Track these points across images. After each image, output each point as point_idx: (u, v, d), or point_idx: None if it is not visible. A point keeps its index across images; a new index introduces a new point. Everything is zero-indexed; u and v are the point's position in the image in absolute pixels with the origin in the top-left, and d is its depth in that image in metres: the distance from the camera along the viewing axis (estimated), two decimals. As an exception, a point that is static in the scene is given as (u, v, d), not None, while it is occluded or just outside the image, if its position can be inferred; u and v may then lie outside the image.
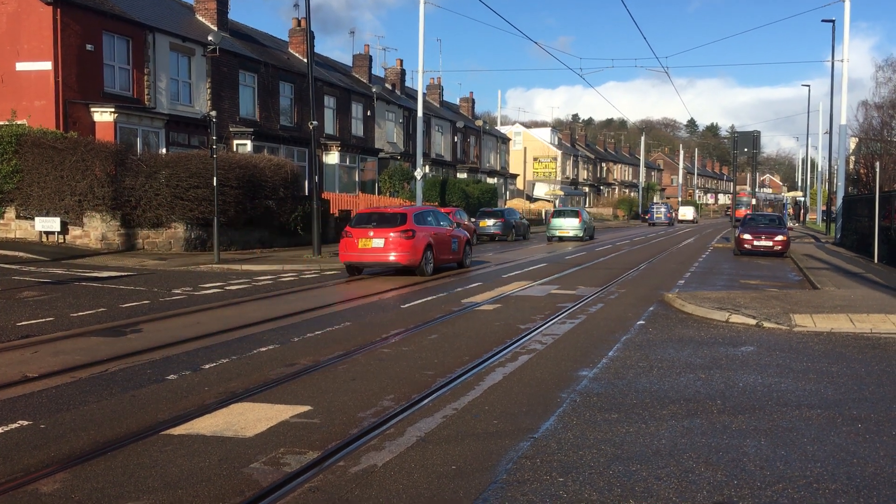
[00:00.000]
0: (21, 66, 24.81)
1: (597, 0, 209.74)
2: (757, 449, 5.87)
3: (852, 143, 52.23)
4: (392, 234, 18.16)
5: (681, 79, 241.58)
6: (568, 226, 37.93)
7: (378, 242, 18.15)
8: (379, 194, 41.53)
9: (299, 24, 42.31)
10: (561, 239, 37.81)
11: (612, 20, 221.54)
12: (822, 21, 41.95)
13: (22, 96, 24.73)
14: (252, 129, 32.81)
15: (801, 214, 76.57)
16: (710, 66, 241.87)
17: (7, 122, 23.46)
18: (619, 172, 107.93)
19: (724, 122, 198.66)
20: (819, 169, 73.59)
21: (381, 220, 18.73)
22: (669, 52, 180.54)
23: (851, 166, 49.83)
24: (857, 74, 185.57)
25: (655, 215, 69.02)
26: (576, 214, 38.93)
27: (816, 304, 13.60)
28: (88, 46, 25.62)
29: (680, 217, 77.94)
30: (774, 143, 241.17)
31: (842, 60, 36.43)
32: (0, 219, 23.18)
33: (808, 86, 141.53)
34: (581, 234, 37.82)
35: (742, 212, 72.63)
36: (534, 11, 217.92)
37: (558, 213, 40.05)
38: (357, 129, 43.78)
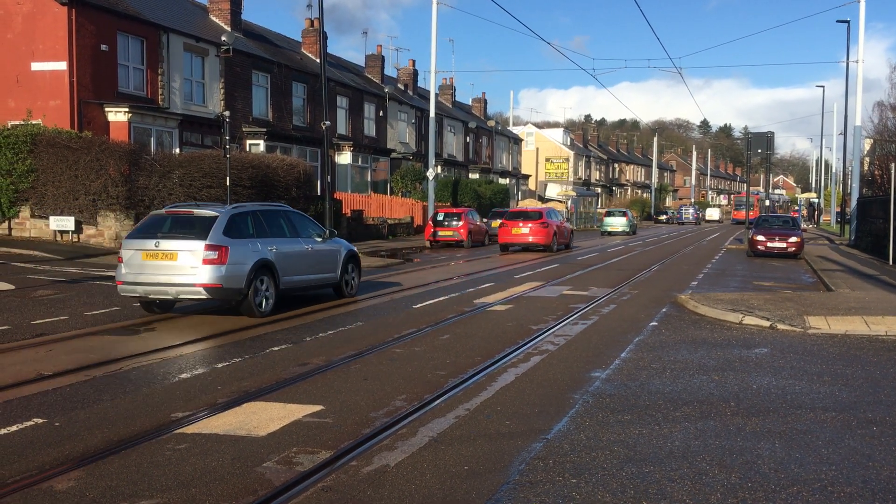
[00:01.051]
0: (36, 66, 24.99)
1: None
2: (771, 451, 5.84)
3: (867, 145, 51.86)
4: (533, 225, 28.58)
5: (697, 79, 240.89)
6: (618, 223, 47.28)
7: (525, 230, 28.54)
8: (391, 194, 41.58)
9: (312, 25, 42.42)
10: (611, 234, 46.53)
11: (626, 20, 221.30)
12: (837, 21, 41.69)
13: (37, 96, 24.91)
14: (265, 129, 32.92)
15: (816, 216, 75.99)
16: (725, 67, 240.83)
17: (22, 122, 23.61)
18: (632, 173, 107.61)
19: (738, 122, 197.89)
20: (833, 170, 73.10)
21: (526, 216, 29.60)
22: (684, 53, 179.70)
23: (866, 168, 49.46)
24: (874, 75, 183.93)
25: (684, 215, 79.83)
26: (623, 214, 48.84)
27: (831, 305, 13.52)
28: (103, 46, 25.77)
29: (707, 217, 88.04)
30: (790, 145, 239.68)
31: (856, 61, 36.24)
32: (15, 218, 23.34)
33: (823, 87, 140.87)
34: (628, 230, 46.85)
35: (743, 213, 73.21)
36: (548, 11, 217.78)
37: (609, 214, 50.02)
38: (369, 129, 43.85)
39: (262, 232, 12.57)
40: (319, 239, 13.98)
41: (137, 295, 12.01)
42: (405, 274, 19.58)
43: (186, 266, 11.54)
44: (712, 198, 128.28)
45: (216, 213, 12.11)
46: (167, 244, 11.69)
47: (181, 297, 12.02)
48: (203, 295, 11.75)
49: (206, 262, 11.49)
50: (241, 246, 11.81)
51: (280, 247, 12.65)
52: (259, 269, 11.97)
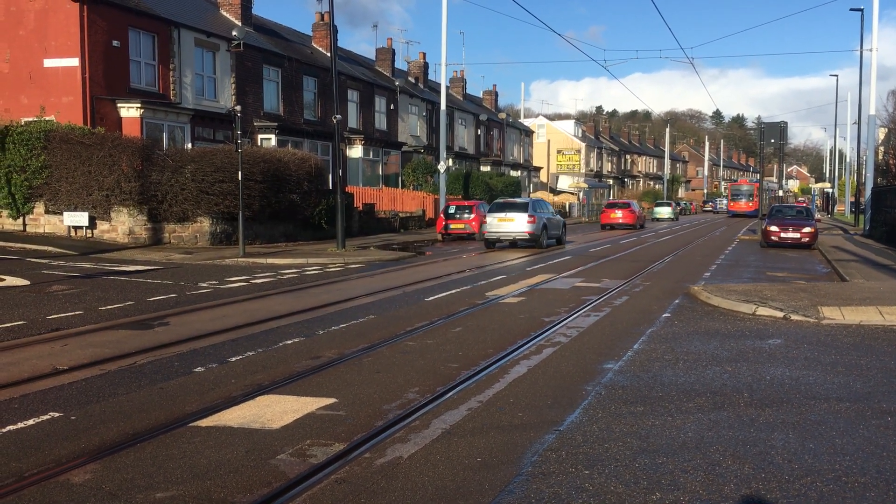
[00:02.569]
0: (49, 63, 25.12)
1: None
2: (785, 442, 5.82)
3: (881, 134, 51.47)
4: (623, 211, 42.92)
5: (712, 69, 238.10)
6: (665, 212, 59.95)
7: (619, 214, 42.92)
8: (402, 188, 41.59)
9: (322, 18, 42.42)
10: (660, 220, 58.24)
11: (640, 9, 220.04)
12: (851, 10, 41.31)
13: (50, 92, 25.05)
14: (276, 124, 32.99)
15: (830, 206, 75.33)
16: (738, 57, 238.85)
17: (35, 119, 23.77)
18: (644, 164, 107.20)
19: (752, 112, 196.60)
20: (847, 160, 72.19)
21: (618, 205, 44.46)
22: (697, 43, 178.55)
23: (880, 157, 49.09)
24: (891, 62, 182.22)
25: (718, 206, 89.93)
26: (669, 205, 62.09)
27: (845, 296, 13.44)
28: (115, 42, 25.88)
29: None
30: (805, 134, 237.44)
31: (870, 50, 35.94)
32: (29, 214, 23.52)
33: (836, 76, 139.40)
34: (673, 217, 59.88)
35: (742, 205, 67.12)
36: (564, 1, 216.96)
37: (658, 204, 63.38)
38: (380, 122, 43.85)
39: (538, 209, 26.53)
40: (555, 214, 28.45)
41: (493, 238, 25.97)
42: (420, 266, 19.60)
43: (519, 224, 25.40)
44: (725, 188, 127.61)
45: (527, 201, 27.25)
46: (510, 214, 25.62)
47: (517, 239, 25.83)
48: (526, 237, 25.50)
49: (528, 222, 25.37)
50: (537, 215, 25.83)
51: (547, 217, 26.80)
52: (543, 227, 25.93)
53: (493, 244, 26.23)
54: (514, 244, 26.46)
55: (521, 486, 4.95)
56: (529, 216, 25.39)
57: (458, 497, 4.81)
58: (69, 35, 24.85)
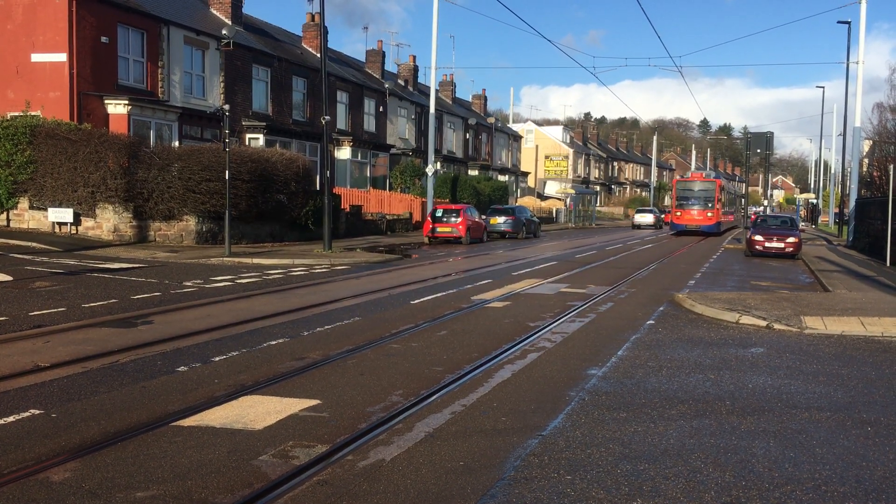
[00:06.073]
0: (36, 58, 24.96)
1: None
2: (766, 450, 5.86)
3: (866, 146, 51.88)
4: (701, 213, 48.39)
5: (708, 78, 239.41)
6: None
7: (696, 215, 45.74)
8: (390, 190, 41.57)
9: (313, 19, 42.36)
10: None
11: (636, 16, 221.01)
12: (838, 22, 41.60)
13: (37, 87, 24.88)
14: (264, 123, 32.90)
15: (814, 216, 75.84)
16: (727, 66, 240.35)
17: (22, 113, 23.59)
18: (631, 171, 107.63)
19: (740, 122, 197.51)
20: (832, 171, 72.52)
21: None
22: (687, 51, 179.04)
23: (865, 169, 49.52)
24: (883, 74, 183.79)
25: None
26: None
27: (827, 306, 13.55)
28: (103, 39, 25.74)
29: None
30: (795, 144, 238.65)
31: (857, 62, 36.23)
32: (14, 209, 23.32)
33: (823, 87, 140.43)
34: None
35: (693, 214, 44.29)
36: (563, 5, 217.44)
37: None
38: (369, 124, 43.83)
39: (656, 213, 59.11)
40: (660, 213, 61.33)
41: (637, 224, 56.20)
42: (419, 267, 19.58)
43: (648, 218, 56.75)
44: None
45: (652, 208, 62.05)
46: (644, 213, 58.08)
47: (648, 225, 55.74)
48: (652, 224, 55.99)
49: (653, 217, 57.09)
50: (657, 214, 58.73)
51: (659, 215, 59.11)
52: (659, 219, 57.80)
53: (636, 227, 53.09)
54: (639, 228, 52.89)
55: (503, 491, 4.95)
56: (654, 215, 54.53)
57: (440, 500, 4.81)
58: (57, 30, 24.70)
